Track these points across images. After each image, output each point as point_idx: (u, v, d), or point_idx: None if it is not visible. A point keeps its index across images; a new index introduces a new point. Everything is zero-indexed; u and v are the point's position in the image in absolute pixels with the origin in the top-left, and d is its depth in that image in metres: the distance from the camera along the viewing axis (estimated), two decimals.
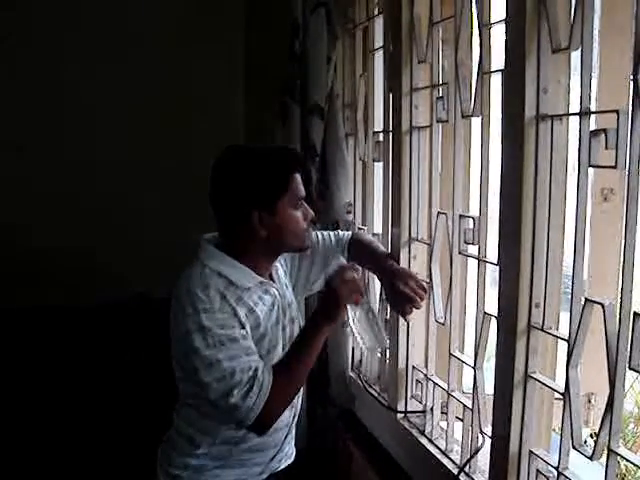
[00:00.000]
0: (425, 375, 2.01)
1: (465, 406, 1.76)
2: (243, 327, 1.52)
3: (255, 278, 1.58)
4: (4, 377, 2.89)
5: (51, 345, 2.98)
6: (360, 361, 2.50)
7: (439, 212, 1.88)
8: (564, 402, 1.35)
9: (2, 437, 2.80)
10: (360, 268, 1.63)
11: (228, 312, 1.51)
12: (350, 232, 1.92)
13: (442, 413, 1.95)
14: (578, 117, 1.30)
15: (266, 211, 1.54)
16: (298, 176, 1.59)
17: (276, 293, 1.63)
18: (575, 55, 1.33)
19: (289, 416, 1.70)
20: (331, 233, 1.84)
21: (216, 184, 1.58)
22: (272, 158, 1.58)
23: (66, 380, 2.92)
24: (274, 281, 1.65)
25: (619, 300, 1.21)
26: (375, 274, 1.87)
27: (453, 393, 1.84)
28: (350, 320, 1.59)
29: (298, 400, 1.74)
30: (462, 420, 1.78)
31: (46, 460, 2.80)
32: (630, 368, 1.18)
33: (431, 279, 1.93)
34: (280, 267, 1.71)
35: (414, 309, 1.69)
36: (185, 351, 1.51)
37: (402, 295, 1.64)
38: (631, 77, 1.15)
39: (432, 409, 1.97)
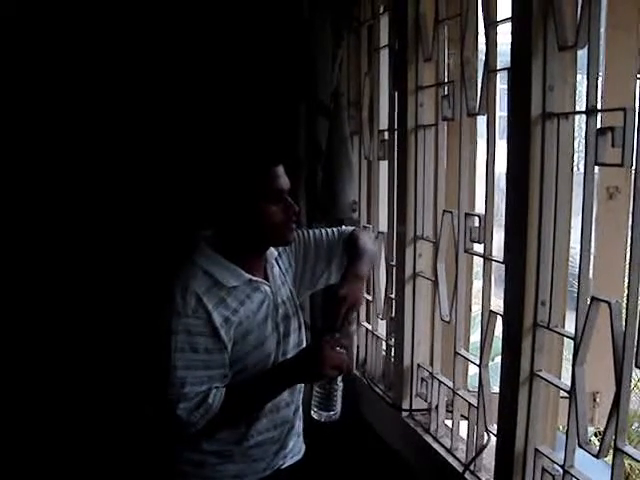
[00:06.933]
0: (430, 373, 2.01)
1: (470, 404, 1.76)
2: (216, 334, 1.52)
3: (243, 276, 1.58)
4: None
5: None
6: (365, 359, 2.51)
7: (445, 210, 1.89)
8: (570, 400, 1.35)
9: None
10: (348, 345, 1.61)
11: (201, 317, 1.51)
12: (352, 228, 1.92)
13: (447, 411, 1.95)
14: (584, 115, 1.30)
15: (239, 206, 1.54)
16: (278, 169, 1.57)
17: (267, 291, 1.63)
18: (581, 53, 1.33)
19: (289, 412, 1.70)
20: (335, 229, 1.84)
21: (195, 175, 1.61)
22: (248, 153, 1.58)
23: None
24: (268, 279, 1.66)
25: (625, 298, 1.21)
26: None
27: (458, 391, 1.84)
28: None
29: (299, 395, 1.73)
30: (467, 418, 1.78)
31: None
32: (637, 366, 1.19)
33: (436, 277, 1.93)
34: (277, 265, 1.71)
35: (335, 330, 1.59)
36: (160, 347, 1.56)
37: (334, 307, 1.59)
38: (638, 75, 1.15)
39: (437, 407, 1.97)
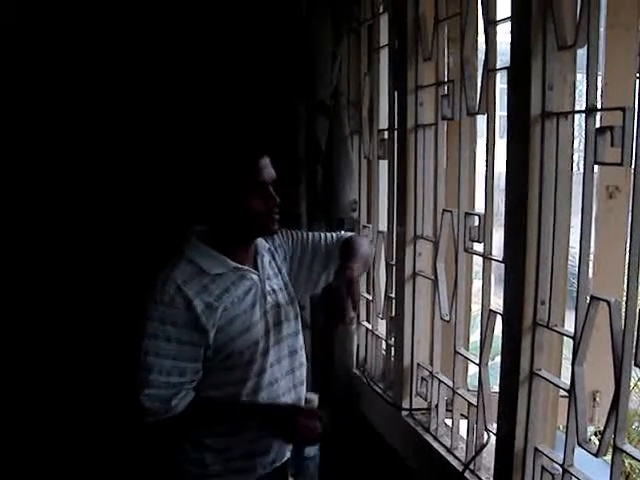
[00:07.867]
0: (430, 372, 2.01)
1: (470, 403, 1.77)
2: (195, 323, 1.55)
3: (229, 264, 1.61)
4: None
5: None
6: (365, 359, 2.51)
7: (444, 210, 1.89)
8: (569, 399, 1.35)
9: None
10: (323, 417, 1.64)
11: (178, 307, 1.54)
12: (351, 233, 1.93)
13: (447, 410, 1.96)
14: (584, 114, 1.30)
15: (222, 198, 1.58)
16: (260, 161, 1.59)
17: (255, 279, 1.65)
18: (581, 52, 1.33)
19: (291, 403, 1.72)
20: (334, 234, 1.86)
21: (183, 170, 1.67)
22: (229, 146, 1.62)
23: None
24: (258, 269, 1.68)
25: (625, 297, 1.21)
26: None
27: (458, 390, 1.84)
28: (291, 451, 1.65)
29: (301, 387, 1.75)
30: (467, 417, 1.78)
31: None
32: (636, 365, 1.19)
33: (436, 276, 1.93)
34: (269, 256, 1.73)
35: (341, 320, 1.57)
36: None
37: (332, 299, 1.56)
38: (637, 74, 1.15)
39: (437, 406, 1.97)
